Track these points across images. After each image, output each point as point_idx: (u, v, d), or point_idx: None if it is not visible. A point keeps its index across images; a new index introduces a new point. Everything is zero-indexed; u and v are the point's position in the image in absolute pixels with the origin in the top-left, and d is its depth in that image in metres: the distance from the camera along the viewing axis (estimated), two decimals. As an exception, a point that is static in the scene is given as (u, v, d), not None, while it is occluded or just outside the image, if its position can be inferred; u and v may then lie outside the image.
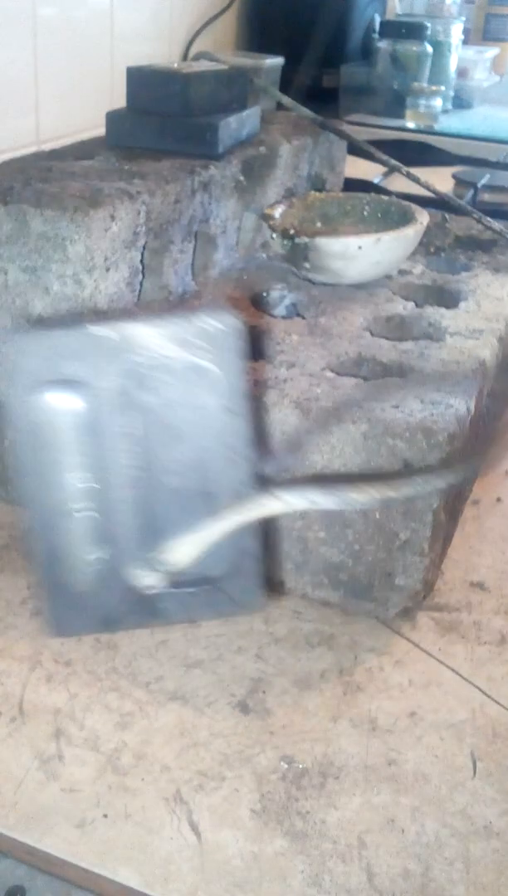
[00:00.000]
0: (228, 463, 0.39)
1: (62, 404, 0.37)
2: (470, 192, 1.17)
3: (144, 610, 0.41)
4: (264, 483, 0.40)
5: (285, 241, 0.69)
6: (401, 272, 0.74)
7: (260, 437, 0.48)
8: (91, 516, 0.39)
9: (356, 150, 0.91)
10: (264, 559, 0.43)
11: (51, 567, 0.40)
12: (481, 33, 1.89)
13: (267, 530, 0.47)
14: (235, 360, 0.39)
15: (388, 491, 0.40)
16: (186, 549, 0.39)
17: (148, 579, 0.40)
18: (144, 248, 0.62)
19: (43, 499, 0.39)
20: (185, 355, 0.38)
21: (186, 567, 0.40)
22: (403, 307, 0.68)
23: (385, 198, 0.78)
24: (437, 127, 1.55)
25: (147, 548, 0.40)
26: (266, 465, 0.48)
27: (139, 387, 0.38)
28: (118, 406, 0.38)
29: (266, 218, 0.72)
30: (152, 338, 0.38)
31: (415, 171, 0.86)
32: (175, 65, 0.76)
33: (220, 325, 0.38)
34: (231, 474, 0.39)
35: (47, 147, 0.76)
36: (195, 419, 0.39)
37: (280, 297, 0.70)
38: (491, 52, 1.84)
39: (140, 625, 0.43)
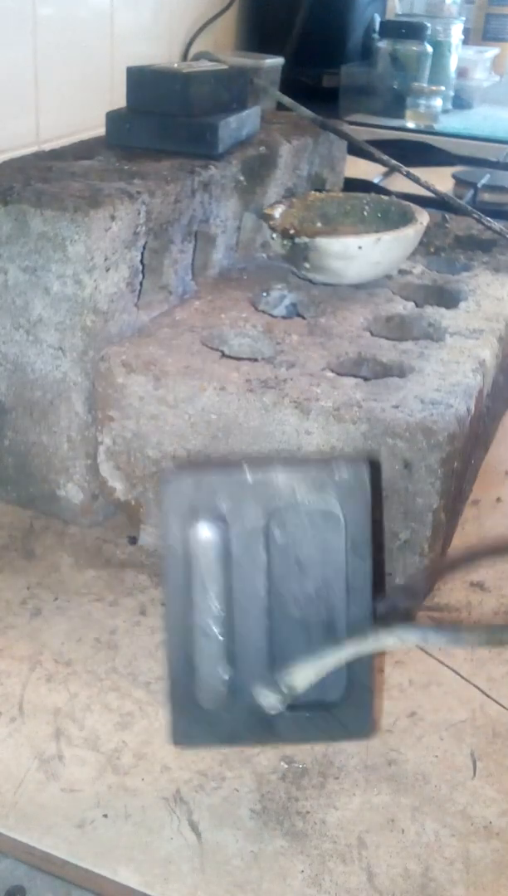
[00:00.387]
0: (349, 600, 0.43)
1: (207, 536, 0.42)
2: (470, 192, 1.17)
3: (263, 729, 0.44)
4: (381, 618, 0.45)
5: (285, 241, 0.69)
6: (401, 272, 0.74)
7: (380, 578, 0.54)
8: (223, 637, 0.43)
9: (356, 150, 0.91)
10: (374, 690, 0.45)
11: (180, 680, 0.43)
12: (481, 33, 1.89)
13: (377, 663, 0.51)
14: (361, 508, 0.43)
15: (500, 633, 0.42)
16: (306, 673, 0.42)
17: (269, 699, 0.43)
18: (144, 248, 0.62)
19: (181, 617, 0.43)
20: (317, 500, 0.43)
21: (305, 690, 0.43)
22: (403, 307, 0.68)
23: (385, 198, 0.78)
24: (437, 127, 1.55)
25: (270, 670, 0.43)
26: (384, 603, 0.54)
27: (275, 525, 0.43)
28: (255, 541, 0.43)
29: (266, 218, 0.72)
30: (291, 483, 0.42)
31: (415, 171, 0.86)
32: (175, 65, 0.76)
33: (350, 476, 0.43)
34: (351, 610, 0.43)
35: (47, 147, 0.76)
36: (321, 558, 0.43)
37: (280, 297, 0.70)
38: (491, 52, 1.84)
39: (258, 742, 0.46)
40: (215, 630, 0.42)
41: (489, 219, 0.84)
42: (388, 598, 0.55)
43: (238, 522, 0.42)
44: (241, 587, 0.43)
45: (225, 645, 0.43)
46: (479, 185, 1.19)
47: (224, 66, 0.78)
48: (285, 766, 0.46)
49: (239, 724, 0.44)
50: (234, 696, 0.43)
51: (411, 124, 1.54)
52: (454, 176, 1.25)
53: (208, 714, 0.43)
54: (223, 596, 0.42)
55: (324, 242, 0.67)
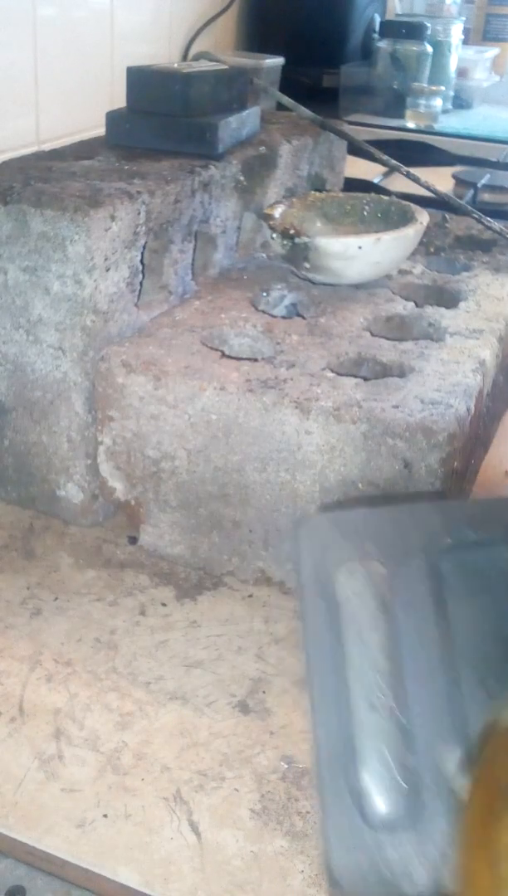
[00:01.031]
0: None
1: (358, 580, 0.34)
2: (470, 192, 1.17)
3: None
4: None
5: (285, 241, 0.69)
6: (401, 272, 0.74)
7: None
8: (388, 710, 0.32)
9: (356, 150, 0.91)
10: None
11: (336, 771, 0.31)
12: (481, 33, 1.89)
13: None
14: None
15: None
16: None
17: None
18: (144, 248, 0.62)
19: (330, 684, 0.33)
20: (488, 536, 0.36)
21: None
22: (403, 307, 0.68)
23: (385, 198, 0.78)
24: (437, 127, 1.55)
25: (461, 744, 0.32)
26: None
27: (441, 564, 0.35)
28: (418, 583, 0.35)
29: (266, 218, 0.72)
30: (456, 519, 0.36)
31: (415, 171, 0.86)
32: (175, 65, 0.76)
33: None
34: None
35: (47, 147, 0.76)
36: (501, 599, 0.35)
37: (280, 297, 0.70)
38: (491, 52, 1.84)
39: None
40: (379, 698, 0.32)
41: (489, 219, 0.84)
42: None
43: (395, 564, 0.35)
44: (408, 639, 0.33)
45: (395, 718, 0.32)
46: (479, 185, 1.19)
47: (224, 66, 0.78)
48: (285, 766, 0.46)
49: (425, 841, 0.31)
50: (418, 786, 0.31)
51: (411, 124, 1.55)
52: (454, 176, 1.25)
53: (377, 832, 0.31)
54: (387, 651, 0.33)
55: (324, 242, 0.67)
